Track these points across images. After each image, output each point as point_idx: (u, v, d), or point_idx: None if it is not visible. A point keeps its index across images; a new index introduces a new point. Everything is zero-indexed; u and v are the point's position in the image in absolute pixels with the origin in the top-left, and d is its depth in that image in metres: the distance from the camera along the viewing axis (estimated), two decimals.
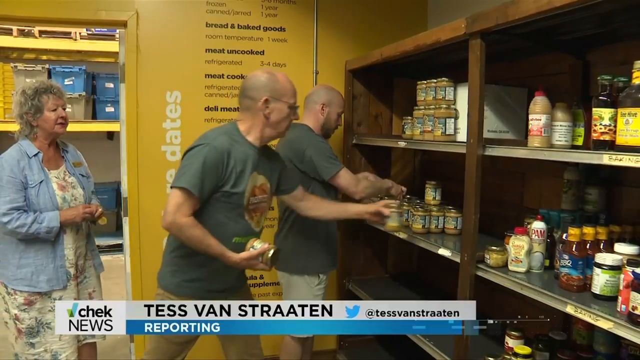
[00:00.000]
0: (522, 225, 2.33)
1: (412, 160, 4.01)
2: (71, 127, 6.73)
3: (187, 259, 2.43)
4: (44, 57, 7.44)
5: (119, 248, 6.67)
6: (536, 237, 2.23)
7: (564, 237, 2.10)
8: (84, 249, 3.02)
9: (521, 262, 2.21)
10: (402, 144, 3.10)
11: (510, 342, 2.42)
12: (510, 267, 2.25)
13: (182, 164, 2.37)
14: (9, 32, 6.81)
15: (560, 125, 2.05)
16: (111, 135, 7.49)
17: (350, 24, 3.92)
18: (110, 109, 7.03)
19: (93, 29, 6.85)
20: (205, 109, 3.66)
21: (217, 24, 3.66)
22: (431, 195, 3.16)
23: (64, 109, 2.95)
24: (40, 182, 2.82)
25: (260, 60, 3.72)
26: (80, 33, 6.94)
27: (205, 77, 3.64)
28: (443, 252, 2.61)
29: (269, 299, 3.79)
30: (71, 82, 6.74)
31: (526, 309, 2.41)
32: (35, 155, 2.86)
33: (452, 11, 3.45)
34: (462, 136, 2.61)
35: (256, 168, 2.44)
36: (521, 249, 2.21)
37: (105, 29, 6.83)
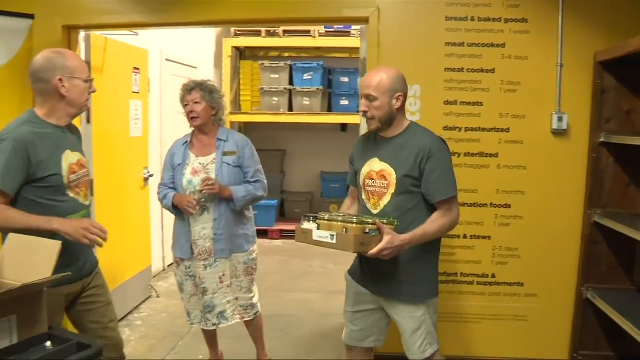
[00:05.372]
0: None
1: None
2: (308, 119, 7.41)
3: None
4: (286, 55, 8.11)
5: None
6: None
7: None
8: (209, 232, 3.30)
9: None
10: None
11: None
12: None
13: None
14: (258, 34, 7.55)
15: None
16: (345, 127, 7.85)
17: (601, 12, 3.56)
18: (344, 102, 7.41)
19: (335, 27, 7.26)
20: (444, 103, 3.63)
21: (457, 17, 3.61)
22: None
23: (196, 103, 3.27)
24: (179, 165, 3.34)
25: (501, 53, 3.58)
26: (318, 31, 7.42)
27: (445, 70, 3.61)
28: None
29: (500, 300, 3.73)
30: (310, 77, 7.24)
31: None
32: (185, 143, 3.40)
33: None
34: None
35: None
36: None
37: (342, 26, 7.21)
